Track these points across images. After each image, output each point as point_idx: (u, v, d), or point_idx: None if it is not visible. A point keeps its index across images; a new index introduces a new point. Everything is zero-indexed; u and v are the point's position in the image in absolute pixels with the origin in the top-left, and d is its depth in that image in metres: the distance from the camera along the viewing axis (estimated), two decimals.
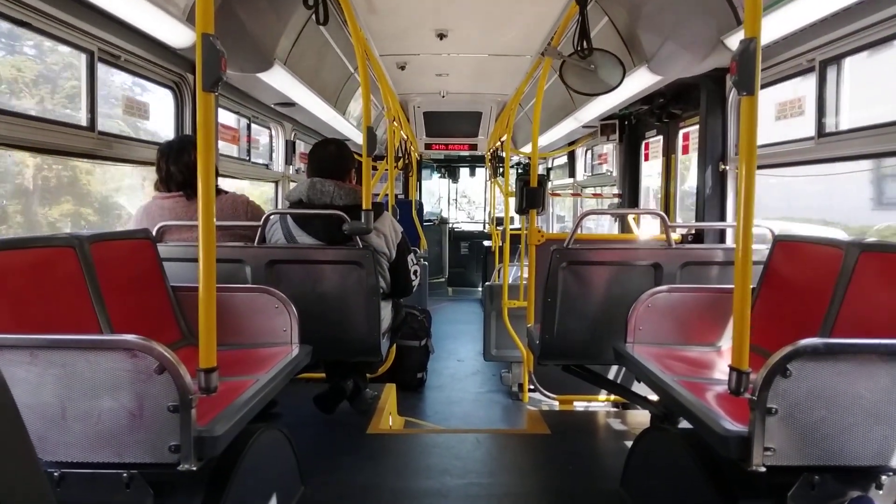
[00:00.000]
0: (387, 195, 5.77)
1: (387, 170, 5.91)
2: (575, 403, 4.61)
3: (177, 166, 3.23)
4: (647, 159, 6.42)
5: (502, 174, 7.21)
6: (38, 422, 1.70)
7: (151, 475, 1.82)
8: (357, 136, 7.37)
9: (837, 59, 3.38)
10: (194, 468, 1.71)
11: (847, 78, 3.41)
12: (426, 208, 13.07)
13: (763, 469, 1.73)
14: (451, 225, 13.33)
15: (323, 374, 4.05)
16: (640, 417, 3.88)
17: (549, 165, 10.74)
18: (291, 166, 6.60)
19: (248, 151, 5.70)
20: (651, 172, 6.37)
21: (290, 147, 6.57)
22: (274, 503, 2.38)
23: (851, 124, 3.37)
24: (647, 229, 5.92)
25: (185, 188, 3.24)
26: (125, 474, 1.81)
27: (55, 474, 1.81)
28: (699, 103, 4.57)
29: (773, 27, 3.23)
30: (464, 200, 16.06)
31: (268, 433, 2.39)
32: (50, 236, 2.27)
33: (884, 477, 1.85)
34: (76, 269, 2.25)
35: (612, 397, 4.58)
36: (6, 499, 0.71)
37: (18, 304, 1.96)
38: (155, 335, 1.77)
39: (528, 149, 9.05)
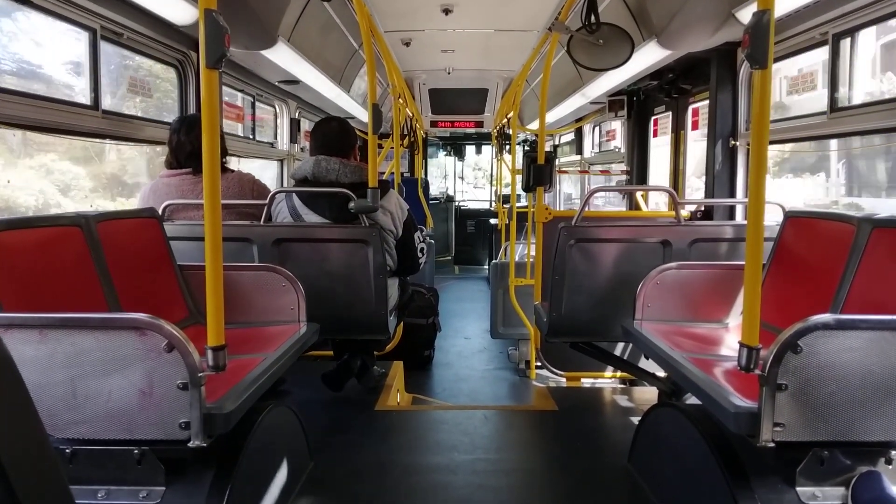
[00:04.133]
0: (392, 173, 5.74)
1: (392, 147, 5.88)
2: (582, 380, 4.62)
3: (188, 137, 3.25)
4: (655, 135, 6.36)
5: (509, 151, 7.17)
6: (48, 400, 1.71)
7: (162, 452, 1.84)
8: (361, 114, 7.32)
9: (851, 33, 3.32)
10: (204, 445, 1.73)
11: (860, 51, 3.35)
12: (433, 186, 13.03)
13: (772, 445, 1.73)
14: (457, 203, 13.28)
15: (331, 352, 4.07)
16: (648, 394, 3.89)
17: (557, 142, 10.67)
18: (296, 144, 6.57)
19: (253, 130, 5.68)
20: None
21: (295, 125, 6.53)
22: (283, 479, 2.41)
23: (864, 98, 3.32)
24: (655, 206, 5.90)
25: (193, 160, 3.24)
26: (136, 451, 1.83)
27: (67, 451, 1.83)
28: (709, 78, 4.50)
29: None
30: (479, 173, 15.89)
31: (276, 410, 2.41)
32: (56, 215, 2.27)
33: (893, 452, 1.85)
34: (83, 249, 2.25)
35: (620, 374, 4.58)
36: (17, 475, 0.71)
37: (26, 284, 1.97)
38: (162, 314, 1.78)
39: (535, 126, 8.97)
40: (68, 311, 1.79)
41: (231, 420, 1.79)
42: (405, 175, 9.97)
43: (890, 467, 1.86)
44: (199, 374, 1.70)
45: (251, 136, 5.65)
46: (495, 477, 2.77)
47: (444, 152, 14.02)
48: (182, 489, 1.88)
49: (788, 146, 4.39)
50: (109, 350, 1.70)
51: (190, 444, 1.72)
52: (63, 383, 1.70)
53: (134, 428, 1.74)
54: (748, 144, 4.18)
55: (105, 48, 3.22)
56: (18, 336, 1.69)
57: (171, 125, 3.39)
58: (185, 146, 3.27)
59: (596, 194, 7.13)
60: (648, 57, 4.46)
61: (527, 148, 10.80)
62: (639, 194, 6.13)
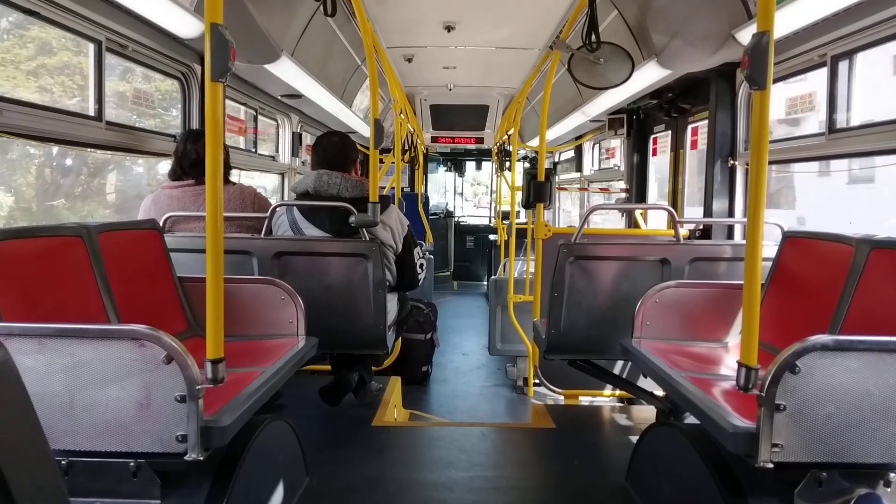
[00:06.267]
0: (393, 188, 5.76)
1: (393, 163, 5.90)
2: (580, 398, 4.60)
3: (195, 146, 3.29)
4: (654, 154, 6.39)
5: (509, 168, 7.19)
6: (45, 410, 1.70)
7: (158, 464, 1.83)
8: (363, 129, 7.35)
9: (849, 55, 3.35)
10: (201, 458, 1.72)
11: (858, 73, 3.38)
12: (432, 201, 13.05)
13: (770, 465, 1.72)
14: (457, 219, 13.30)
15: (328, 367, 4.06)
16: (646, 413, 3.88)
17: (556, 160, 10.71)
18: (298, 158, 6.59)
19: (255, 143, 5.70)
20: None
21: (297, 139, 6.56)
22: (279, 493, 2.39)
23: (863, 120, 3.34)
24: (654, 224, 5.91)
25: (196, 168, 3.27)
26: (132, 463, 1.82)
27: (62, 463, 1.82)
28: (708, 98, 4.54)
29: (785, 21, 3.20)
30: (481, 189, 15.91)
31: (274, 424, 2.40)
32: (58, 226, 2.28)
33: (892, 475, 1.84)
34: (84, 259, 2.25)
35: (618, 392, 4.57)
36: (19, 486, 0.71)
37: (27, 293, 1.97)
38: (161, 325, 1.78)
39: (535, 143, 8.99)
40: (67, 322, 1.79)
41: (228, 433, 1.78)
42: (405, 190, 10.00)
43: (889, 490, 1.85)
44: (197, 387, 1.69)
45: (253, 150, 5.67)
46: (492, 494, 2.75)
47: (445, 168, 14.06)
48: (177, 502, 1.87)
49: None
50: (108, 361, 1.69)
51: (186, 458, 1.71)
52: (60, 394, 1.70)
53: (130, 440, 1.73)
54: (747, 164, 4.20)
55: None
56: (17, 345, 1.68)
57: (180, 136, 3.44)
58: (191, 154, 3.31)
59: (595, 212, 7.16)
60: (648, 76, 4.49)
61: (527, 165, 10.84)
62: (638, 212, 6.15)
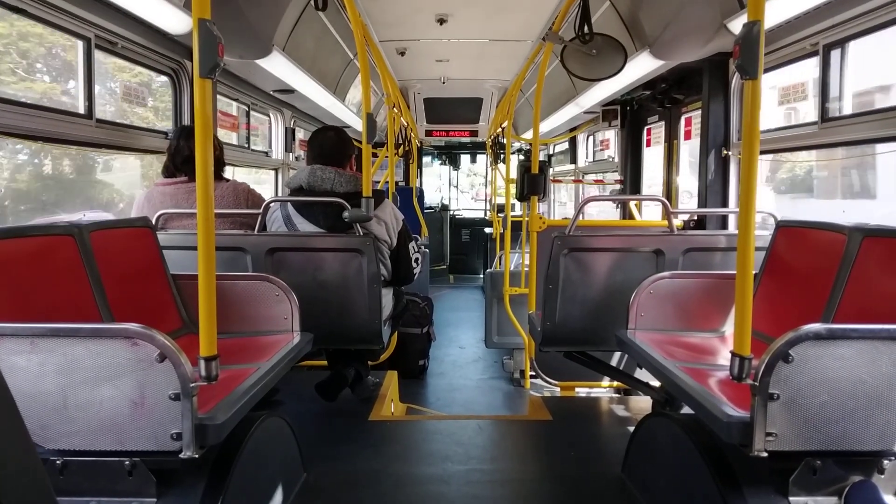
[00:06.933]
0: (387, 182, 5.75)
1: (387, 157, 5.88)
2: (576, 389, 4.62)
3: (187, 142, 3.27)
4: (648, 145, 6.40)
5: (503, 160, 7.18)
6: (39, 410, 1.70)
7: (153, 463, 1.83)
8: (357, 123, 7.34)
9: (841, 43, 3.35)
10: (196, 456, 1.72)
11: (850, 62, 3.38)
12: (427, 195, 13.04)
13: (765, 454, 1.73)
14: (452, 212, 13.30)
15: (324, 362, 4.06)
16: (642, 403, 3.89)
17: (551, 152, 10.70)
18: (291, 153, 6.57)
19: (248, 139, 5.68)
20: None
21: (290, 134, 6.54)
22: (276, 490, 2.39)
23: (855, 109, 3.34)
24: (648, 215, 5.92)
25: (188, 165, 3.26)
26: (127, 462, 1.82)
27: (58, 462, 1.81)
28: (701, 88, 4.54)
29: (777, 10, 3.20)
30: (478, 180, 15.92)
31: (269, 421, 2.39)
32: (49, 225, 2.27)
33: (885, 462, 1.85)
34: (76, 258, 2.24)
35: (614, 383, 4.58)
36: (4, 487, 0.71)
37: (18, 293, 1.96)
38: (155, 324, 1.77)
39: (529, 135, 9.00)
40: (60, 321, 1.79)
41: (223, 431, 1.78)
42: (400, 184, 9.98)
43: (882, 477, 1.86)
44: (191, 385, 1.69)
45: (246, 146, 5.65)
46: (489, 487, 2.76)
47: (439, 161, 14.04)
48: (173, 501, 1.87)
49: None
50: (101, 360, 1.69)
51: (181, 455, 1.71)
52: (54, 393, 1.69)
53: (125, 439, 1.73)
54: (740, 154, 4.21)
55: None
56: (9, 345, 1.68)
57: (173, 132, 3.43)
58: (183, 150, 3.30)
59: (590, 203, 7.17)
60: (641, 67, 4.49)
61: (521, 157, 10.83)
62: (632, 203, 6.15)
